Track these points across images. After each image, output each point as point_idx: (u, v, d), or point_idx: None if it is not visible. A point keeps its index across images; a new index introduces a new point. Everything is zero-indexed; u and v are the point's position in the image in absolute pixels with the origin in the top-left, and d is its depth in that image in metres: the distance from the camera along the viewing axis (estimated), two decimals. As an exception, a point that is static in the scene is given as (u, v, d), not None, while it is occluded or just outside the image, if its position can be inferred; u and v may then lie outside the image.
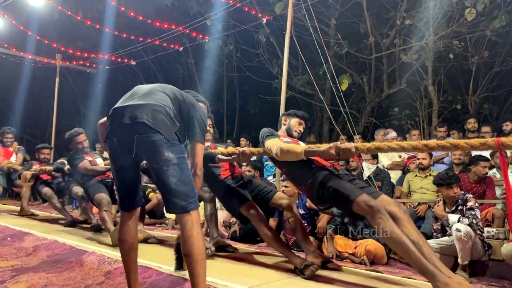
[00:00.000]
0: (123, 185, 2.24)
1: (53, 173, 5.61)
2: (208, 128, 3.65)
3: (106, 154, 8.23)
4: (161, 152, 2.01)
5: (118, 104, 2.19)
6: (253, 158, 5.86)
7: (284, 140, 3.02)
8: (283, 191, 4.42)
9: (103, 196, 4.17)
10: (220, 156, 3.28)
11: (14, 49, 10.08)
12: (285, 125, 3.26)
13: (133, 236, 2.26)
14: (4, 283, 2.79)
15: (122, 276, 2.73)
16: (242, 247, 4.04)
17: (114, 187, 4.24)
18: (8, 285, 2.76)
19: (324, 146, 2.55)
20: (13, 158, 6.50)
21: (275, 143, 2.86)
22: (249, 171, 4.77)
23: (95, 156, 4.77)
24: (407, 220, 2.46)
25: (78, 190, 4.73)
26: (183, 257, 2.12)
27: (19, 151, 6.69)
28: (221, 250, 3.69)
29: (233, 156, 3.23)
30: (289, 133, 3.21)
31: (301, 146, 2.72)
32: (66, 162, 4.94)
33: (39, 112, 13.70)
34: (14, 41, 9.84)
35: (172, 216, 5.66)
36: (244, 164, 4.73)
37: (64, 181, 5.44)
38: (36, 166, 6.03)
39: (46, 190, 5.79)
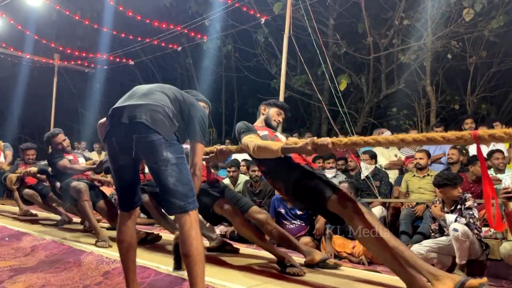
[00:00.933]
0: (122, 185, 2.24)
1: (38, 175, 5.48)
2: None
3: (92, 155, 8.21)
4: (160, 152, 2.01)
5: (117, 104, 2.19)
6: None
7: (261, 134, 2.93)
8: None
9: (80, 183, 4.10)
10: None
11: (12, 49, 10.07)
12: (263, 114, 3.18)
13: (132, 236, 2.25)
14: (2, 283, 2.79)
15: (120, 276, 2.73)
16: (240, 247, 4.04)
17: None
18: (6, 285, 2.76)
19: (300, 142, 2.50)
20: (1, 158, 6.40)
21: (251, 140, 2.77)
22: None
23: (77, 156, 4.72)
24: (382, 228, 2.49)
25: (58, 184, 4.62)
26: (181, 257, 2.11)
27: (5, 148, 6.51)
28: (222, 250, 3.68)
29: (210, 155, 3.14)
30: (267, 123, 3.12)
31: (278, 143, 2.65)
32: None
33: (37, 111, 13.67)
34: (12, 40, 9.83)
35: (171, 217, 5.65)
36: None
37: (48, 185, 5.32)
38: (21, 168, 5.93)
39: (27, 191, 5.64)
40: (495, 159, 4.49)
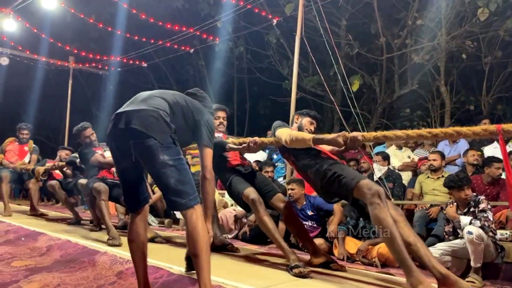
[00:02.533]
0: (127, 186, 2.29)
1: (64, 169, 5.66)
2: (222, 120, 3.73)
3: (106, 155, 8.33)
4: (157, 156, 2.06)
5: (119, 110, 2.26)
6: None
7: None
8: (289, 194, 4.44)
9: (101, 185, 4.31)
10: (230, 145, 3.32)
11: (28, 52, 10.24)
12: (297, 123, 3.31)
13: (142, 235, 2.29)
14: (18, 283, 2.84)
15: (133, 276, 2.75)
16: (252, 248, 4.05)
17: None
18: (21, 285, 2.81)
19: (332, 135, 2.66)
20: (27, 158, 6.52)
21: (286, 131, 2.97)
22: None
23: (104, 149, 4.83)
24: (404, 223, 2.54)
25: (83, 181, 4.81)
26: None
27: (34, 151, 6.58)
28: (222, 249, 3.73)
29: (243, 145, 3.26)
30: (300, 131, 3.24)
31: (310, 134, 2.84)
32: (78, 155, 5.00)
33: (52, 114, 13.90)
34: (28, 44, 10.01)
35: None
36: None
37: (73, 179, 5.51)
38: (49, 164, 6.10)
39: (52, 182, 5.84)
40: None
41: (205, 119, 2.38)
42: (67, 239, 3.98)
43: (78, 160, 4.94)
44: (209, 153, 2.39)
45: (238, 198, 3.33)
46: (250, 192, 3.22)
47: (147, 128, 2.07)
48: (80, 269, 3.10)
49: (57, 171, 6.05)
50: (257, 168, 4.78)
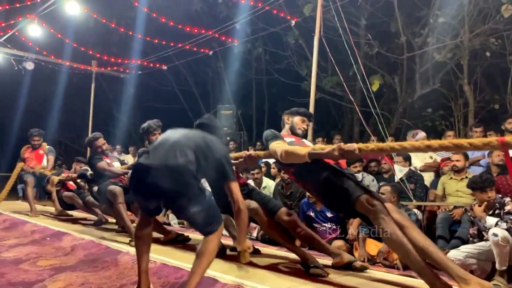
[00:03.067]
0: (145, 209, 2.53)
1: (78, 181, 5.82)
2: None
3: (128, 157, 8.46)
4: (187, 209, 2.30)
5: (142, 160, 2.45)
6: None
7: (288, 140, 2.99)
8: (308, 195, 4.42)
9: (116, 187, 4.28)
10: None
11: (52, 57, 10.51)
12: (288, 124, 3.22)
13: (148, 234, 2.54)
14: (43, 281, 2.92)
15: (154, 276, 2.80)
16: (271, 249, 4.05)
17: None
18: (47, 284, 2.89)
19: (328, 148, 2.56)
20: (44, 161, 6.70)
21: (279, 146, 2.85)
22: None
23: (113, 160, 4.95)
24: (412, 228, 2.47)
25: (96, 188, 4.86)
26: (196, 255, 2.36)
27: (49, 152, 6.75)
28: (233, 249, 3.70)
29: (239, 160, 3.23)
30: (293, 132, 3.16)
31: (305, 149, 2.70)
32: (89, 168, 5.08)
33: (76, 116, 14.21)
34: (52, 48, 10.26)
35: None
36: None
37: (86, 190, 5.65)
38: (65, 174, 6.29)
39: (67, 193, 6.08)
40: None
41: (223, 155, 2.55)
42: (91, 239, 4.07)
43: (89, 173, 5.01)
44: (235, 186, 2.56)
45: None
46: (250, 203, 3.19)
47: (177, 189, 2.24)
48: (103, 269, 3.17)
49: (71, 182, 6.22)
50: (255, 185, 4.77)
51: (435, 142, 2.28)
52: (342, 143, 2.53)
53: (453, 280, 2.28)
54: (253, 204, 3.20)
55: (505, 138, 2.02)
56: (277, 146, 2.87)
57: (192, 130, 2.65)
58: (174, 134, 2.50)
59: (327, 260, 3.22)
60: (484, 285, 2.20)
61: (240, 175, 3.70)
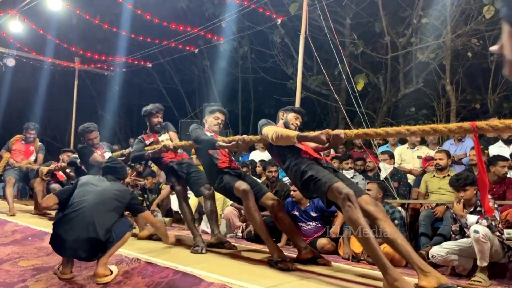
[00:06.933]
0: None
1: (67, 171, 5.72)
2: (220, 122, 3.89)
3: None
4: None
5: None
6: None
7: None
8: (291, 195, 4.48)
9: None
10: (220, 143, 3.42)
11: (34, 53, 10.31)
12: (282, 119, 3.39)
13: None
14: (25, 282, 2.87)
15: (139, 276, 2.78)
16: (257, 247, 4.05)
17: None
18: (28, 284, 2.84)
19: (316, 133, 2.75)
20: (33, 157, 6.56)
21: (271, 129, 3.07)
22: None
23: (104, 150, 4.86)
24: (384, 219, 2.59)
25: None
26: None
27: (40, 150, 6.64)
28: (220, 246, 3.80)
29: (232, 143, 3.35)
30: (286, 127, 3.32)
31: (295, 132, 2.94)
32: (78, 156, 5.02)
33: (58, 114, 13.98)
34: (34, 45, 10.07)
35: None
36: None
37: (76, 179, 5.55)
38: (54, 165, 6.16)
39: (54, 185, 5.96)
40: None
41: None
42: (73, 239, 4.00)
43: (78, 161, 4.95)
44: (147, 213, 3.44)
45: (231, 193, 3.45)
46: (241, 184, 3.36)
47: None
48: (86, 269, 3.13)
49: (61, 173, 6.11)
50: (248, 170, 4.87)
51: (415, 127, 2.57)
52: (329, 129, 2.73)
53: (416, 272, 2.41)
54: (244, 185, 3.35)
55: (477, 122, 2.26)
56: (269, 129, 3.08)
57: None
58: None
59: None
60: (441, 280, 2.30)
61: (232, 158, 3.80)
